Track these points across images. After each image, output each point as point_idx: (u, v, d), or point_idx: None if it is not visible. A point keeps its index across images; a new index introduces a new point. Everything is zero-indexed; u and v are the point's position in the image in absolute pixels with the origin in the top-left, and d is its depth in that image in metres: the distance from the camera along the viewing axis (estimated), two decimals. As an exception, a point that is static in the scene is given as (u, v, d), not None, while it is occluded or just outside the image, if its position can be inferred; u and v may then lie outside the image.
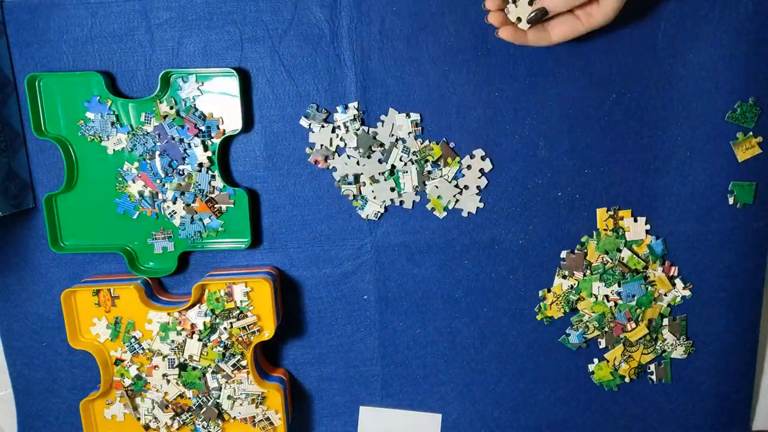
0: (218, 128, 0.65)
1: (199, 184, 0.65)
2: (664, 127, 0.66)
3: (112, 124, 0.65)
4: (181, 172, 0.66)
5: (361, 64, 0.64)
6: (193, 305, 0.66)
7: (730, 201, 0.67)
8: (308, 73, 0.65)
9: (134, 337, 0.67)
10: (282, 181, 0.67)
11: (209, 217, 0.66)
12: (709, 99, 0.65)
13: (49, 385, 0.72)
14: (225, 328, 0.66)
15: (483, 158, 0.66)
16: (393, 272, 0.69)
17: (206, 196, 0.66)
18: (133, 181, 0.66)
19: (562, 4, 0.55)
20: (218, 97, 0.65)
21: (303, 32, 0.64)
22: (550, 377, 0.72)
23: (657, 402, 0.73)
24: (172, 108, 0.64)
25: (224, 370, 0.67)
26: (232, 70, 0.63)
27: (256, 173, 0.67)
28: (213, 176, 0.66)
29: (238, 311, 0.66)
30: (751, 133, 0.65)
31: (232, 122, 0.65)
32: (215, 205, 0.66)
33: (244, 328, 0.66)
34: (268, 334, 0.66)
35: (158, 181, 0.66)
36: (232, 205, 0.66)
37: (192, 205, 0.66)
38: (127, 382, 0.68)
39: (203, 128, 0.65)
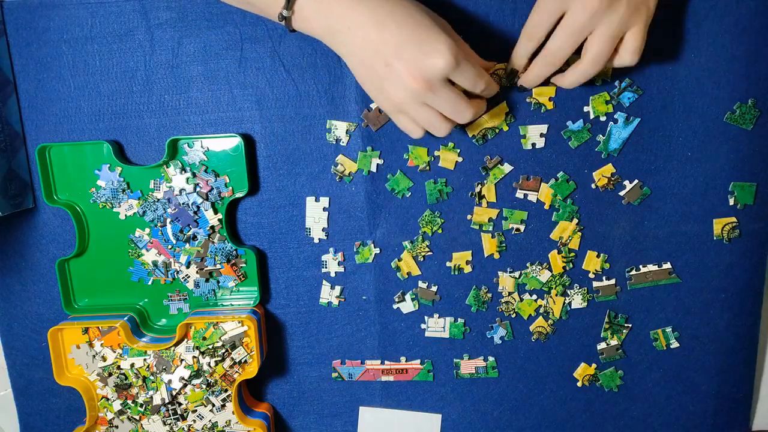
0: (226, 187, 0.65)
1: (221, 250, 0.66)
2: (664, 127, 0.66)
3: (123, 191, 0.66)
4: (193, 237, 0.66)
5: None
6: (178, 342, 0.66)
7: (731, 201, 0.67)
8: (308, 73, 0.65)
9: (122, 373, 0.67)
10: (282, 181, 0.67)
11: (233, 280, 0.67)
12: (709, 99, 0.65)
13: (49, 385, 0.72)
14: (209, 365, 0.66)
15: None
16: (393, 272, 0.69)
17: (229, 260, 0.67)
18: (146, 249, 0.67)
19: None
20: (223, 160, 0.65)
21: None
22: (550, 377, 0.72)
23: (657, 402, 0.73)
24: (182, 172, 0.65)
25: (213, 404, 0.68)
26: (237, 135, 0.64)
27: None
28: (223, 239, 0.67)
29: (223, 349, 0.66)
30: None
31: (239, 184, 0.65)
32: (239, 269, 0.67)
33: (231, 366, 0.66)
34: (252, 371, 0.66)
35: (170, 247, 0.67)
36: (244, 264, 0.67)
37: (217, 268, 0.67)
38: (110, 416, 0.68)
39: (214, 187, 0.65)
